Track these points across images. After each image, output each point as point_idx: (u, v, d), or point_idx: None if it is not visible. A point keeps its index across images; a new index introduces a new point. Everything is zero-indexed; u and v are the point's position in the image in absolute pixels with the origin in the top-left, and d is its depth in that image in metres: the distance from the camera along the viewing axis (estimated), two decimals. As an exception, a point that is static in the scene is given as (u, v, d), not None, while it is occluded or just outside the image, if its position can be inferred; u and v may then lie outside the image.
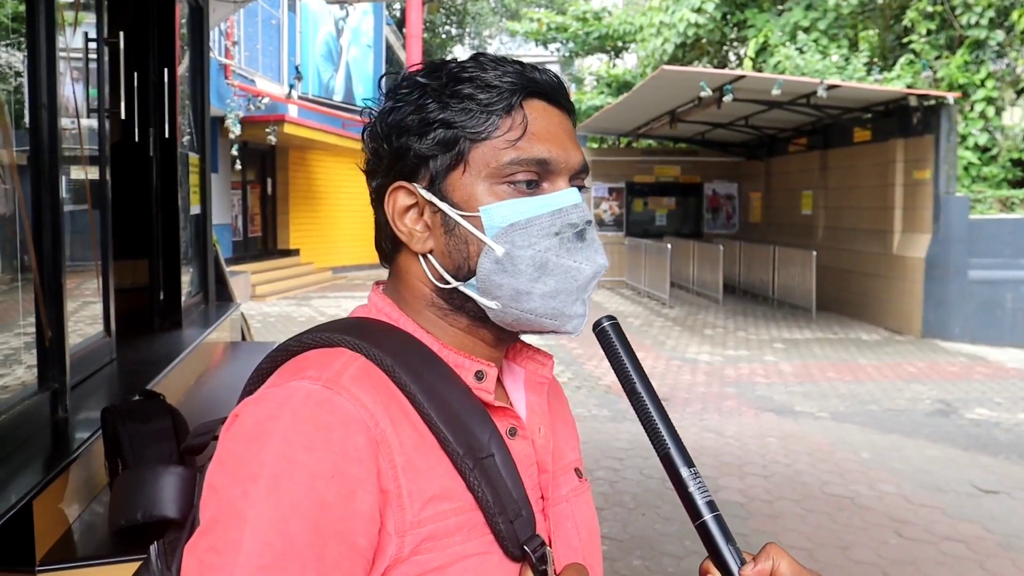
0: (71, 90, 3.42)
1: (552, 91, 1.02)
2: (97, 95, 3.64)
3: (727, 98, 13.06)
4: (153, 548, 1.01)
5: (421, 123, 0.99)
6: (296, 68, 18.52)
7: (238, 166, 17.40)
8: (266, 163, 20.87)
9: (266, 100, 16.88)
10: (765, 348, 12.05)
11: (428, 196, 1.00)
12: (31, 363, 2.77)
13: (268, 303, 17.29)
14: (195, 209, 6.17)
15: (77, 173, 3.56)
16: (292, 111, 18.32)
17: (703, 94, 13.16)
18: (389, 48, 26.58)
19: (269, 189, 21.02)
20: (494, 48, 34.12)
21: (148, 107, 4.87)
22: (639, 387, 1.01)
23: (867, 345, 12.36)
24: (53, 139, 2.80)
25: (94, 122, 3.66)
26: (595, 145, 22.32)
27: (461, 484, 0.92)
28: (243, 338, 6.83)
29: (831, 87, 12.63)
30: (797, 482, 6.22)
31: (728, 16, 20.78)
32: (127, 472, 1.09)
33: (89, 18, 3.67)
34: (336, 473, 0.84)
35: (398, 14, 28.69)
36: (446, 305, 1.03)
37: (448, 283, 1.01)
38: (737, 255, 18.12)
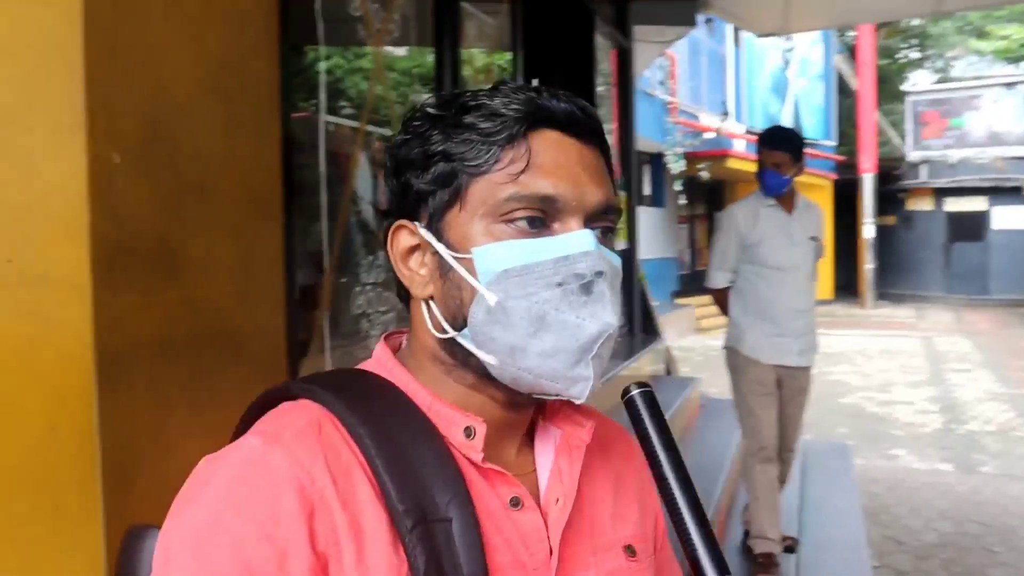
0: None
1: (569, 120, 0.89)
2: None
3: None
4: None
5: (423, 156, 0.89)
6: (722, 104, 18.68)
7: (683, 200, 17.70)
8: (713, 197, 21.13)
9: (710, 134, 17.10)
10: None
11: (426, 236, 0.90)
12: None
13: (712, 336, 17.29)
14: (621, 244, 6.37)
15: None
16: (737, 145, 18.35)
17: None
18: (840, 78, 25.68)
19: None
20: (959, 71, 31.41)
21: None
22: (667, 471, 0.84)
23: None
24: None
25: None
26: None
27: (401, 548, 0.81)
28: (667, 372, 6.89)
29: None
30: None
31: None
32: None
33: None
34: (264, 537, 0.78)
35: (851, 41, 27.62)
36: (450, 359, 0.92)
37: (445, 332, 0.90)
38: None
